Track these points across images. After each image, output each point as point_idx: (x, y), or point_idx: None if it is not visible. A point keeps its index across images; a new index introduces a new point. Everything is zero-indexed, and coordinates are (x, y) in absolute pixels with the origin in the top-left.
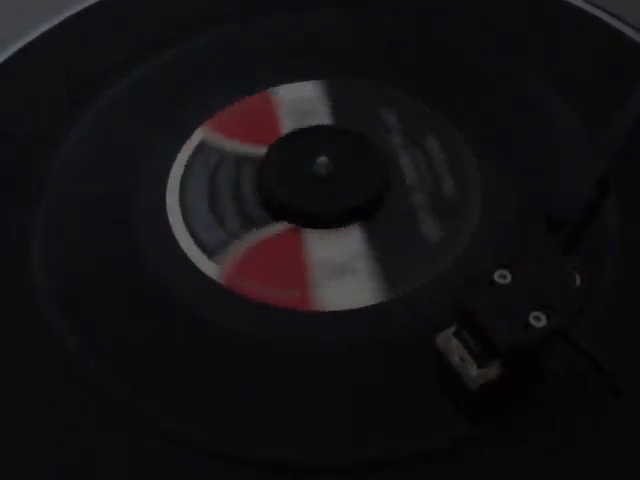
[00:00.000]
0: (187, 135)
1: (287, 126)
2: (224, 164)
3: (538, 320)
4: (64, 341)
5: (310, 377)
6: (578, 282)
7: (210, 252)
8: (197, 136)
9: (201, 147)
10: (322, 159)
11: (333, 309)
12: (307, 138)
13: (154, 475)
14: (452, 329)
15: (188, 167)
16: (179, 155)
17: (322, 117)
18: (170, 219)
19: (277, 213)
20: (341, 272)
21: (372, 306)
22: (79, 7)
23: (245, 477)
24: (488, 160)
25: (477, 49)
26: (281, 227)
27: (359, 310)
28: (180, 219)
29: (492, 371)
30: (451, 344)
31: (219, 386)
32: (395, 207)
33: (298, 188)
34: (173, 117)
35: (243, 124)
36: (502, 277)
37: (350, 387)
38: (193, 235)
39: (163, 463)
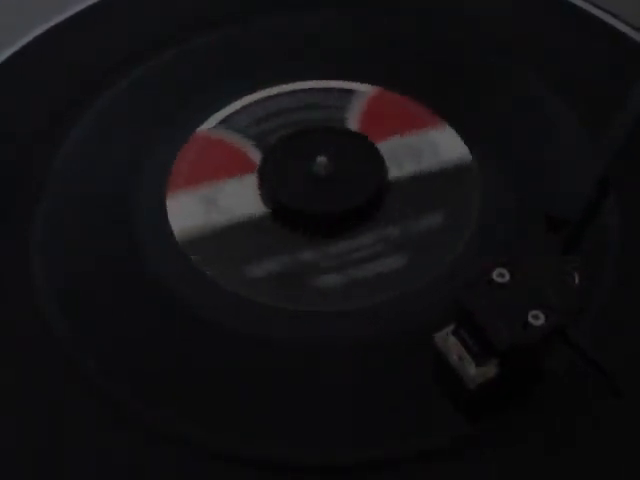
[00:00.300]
0: (187, 135)
1: (384, 147)
2: (319, 109)
3: (537, 319)
4: (64, 341)
5: (310, 377)
6: (577, 282)
7: (211, 122)
8: (353, 85)
9: (348, 92)
10: (322, 159)
11: (164, 211)
12: (307, 138)
13: (154, 475)
14: (450, 328)
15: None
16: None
17: (402, 168)
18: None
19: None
20: (206, 202)
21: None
22: (79, 7)
23: (245, 477)
24: (488, 160)
25: (477, 49)
26: (249, 158)
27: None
28: None
29: (491, 370)
30: (449, 343)
31: (219, 386)
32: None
33: (297, 185)
34: (173, 117)
35: (382, 114)
36: (500, 276)
37: (350, 387)
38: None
39: (163, 463)
